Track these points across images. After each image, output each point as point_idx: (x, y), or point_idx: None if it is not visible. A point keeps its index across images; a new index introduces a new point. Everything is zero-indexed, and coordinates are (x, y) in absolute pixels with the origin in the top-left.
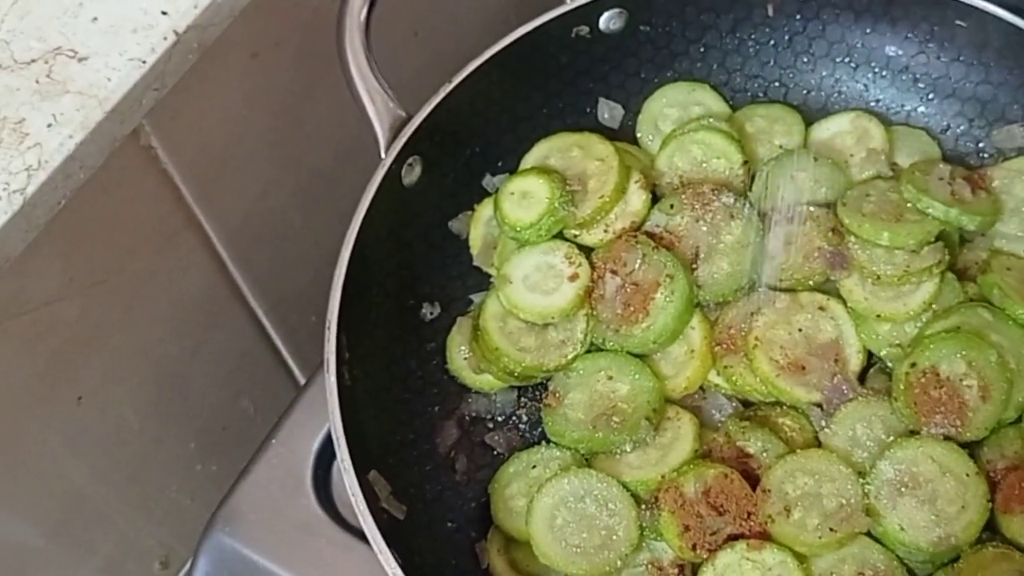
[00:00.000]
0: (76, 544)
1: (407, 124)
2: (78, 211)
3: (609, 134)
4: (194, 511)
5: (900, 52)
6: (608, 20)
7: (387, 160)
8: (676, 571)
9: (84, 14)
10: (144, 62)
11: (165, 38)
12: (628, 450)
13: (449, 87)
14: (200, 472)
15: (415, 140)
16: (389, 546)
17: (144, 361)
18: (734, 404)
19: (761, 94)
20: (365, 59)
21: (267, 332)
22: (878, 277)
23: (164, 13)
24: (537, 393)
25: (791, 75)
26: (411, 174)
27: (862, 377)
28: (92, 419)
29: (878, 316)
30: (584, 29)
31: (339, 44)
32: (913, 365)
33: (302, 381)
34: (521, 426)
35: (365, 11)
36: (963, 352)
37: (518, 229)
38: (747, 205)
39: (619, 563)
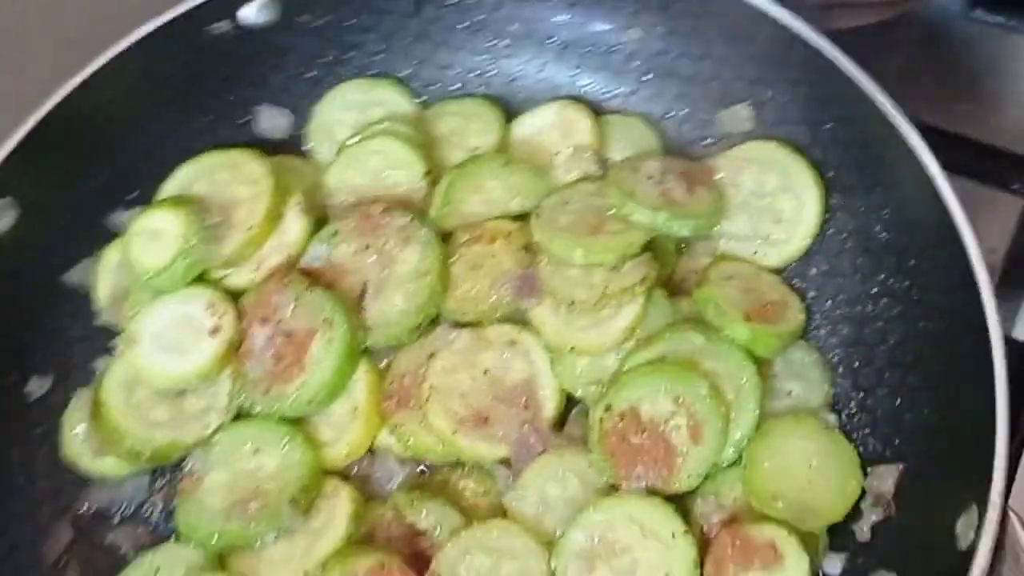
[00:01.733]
0: None
1: None
2: None
3: (273, 149)
4: None
5: (609, 27)
6: (253, 12)
7: None
8: None
9: None
10: None
11: None
12: (270, 541)
13: (45, 109)
14: None
15: (2, 179)
16: None
17: None
18: (408, 469)
19: (457, 86)
20: None
21: None
22: (572, 302)
23: None
24: (177, 473)
25: (490, 62)
26: (1, 222)
27: (564, 423)
28: None
29: (572, 349)
30: (223, 25)
31: None
32: (608, 408)
33: None
34: (154, 518)
35: None
36: (668, 387)
37: (148, 275)
38: (423, 225)
39: None
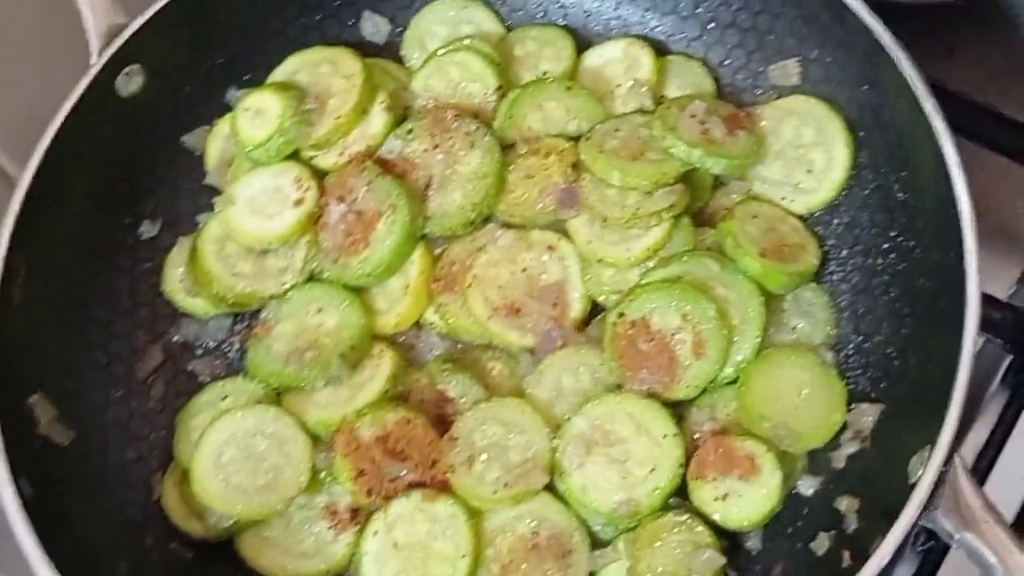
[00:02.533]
0: None
1: (124, 29)
2: None
3: (373, 51)
4: None
5: None
6: None
7: (94, 68)
8: (348, 516)
9: None
10: None
11: None
12: (320, 387)
13: None
14: None
15: (134, 47)
16: (14, 473)
17: None
18: (447, 344)
19: (540, 15)
20: None
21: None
22: (605, 219)
23: None
24: (254, 320)
25: None
26: (130, 84)
27: (587, 326)
28: None
29: (600, 260)
30: None
31: None
32: (621, 315)
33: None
34: (231, 354)
35: None
36: (678, 304)
37: (249, 147)
38: (488, 134)
39: (281, 506)
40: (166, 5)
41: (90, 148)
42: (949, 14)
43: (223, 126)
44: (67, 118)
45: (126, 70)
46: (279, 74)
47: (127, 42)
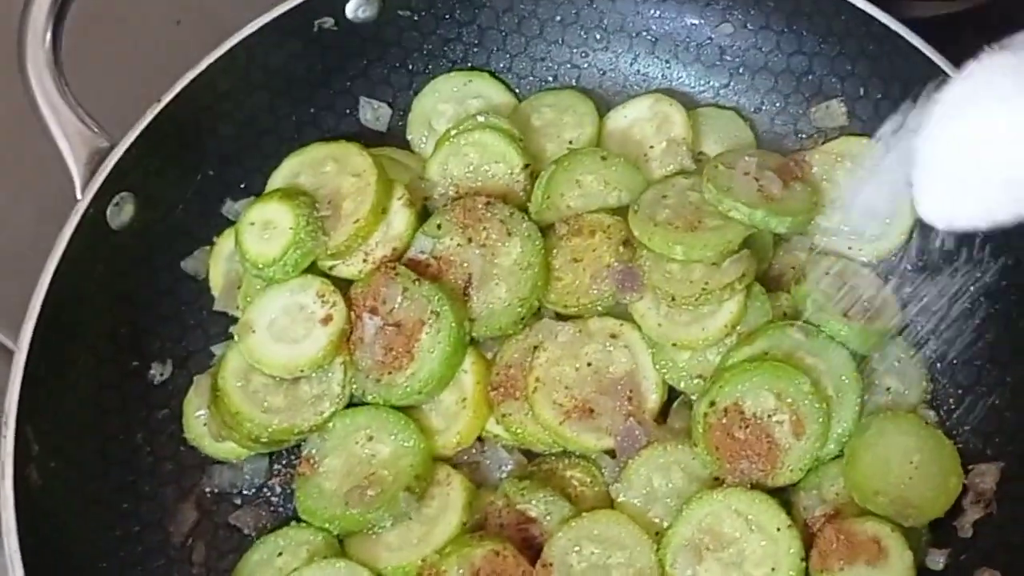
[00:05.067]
0: None
1: (109, 155)
2: None
3: (376, 139)
4: None
5: (702, 21)
6: (356, 7)
7: (82, 204)
8: None
9: None
10: None
11: None
12: (388, 527)
13: (160, 105)
14: None
15: (120, 175)
16: None
17: None
18: (516, 457)
19: (550, 79)
20: (53, 82)
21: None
22: (673, 298)
23: None
24: (293, 458)
25: (583, 55)
26: (121, 214)
27: (665, 414)
28: None
29: (674, 344)
30: (328, 21)
31: (21, 66)
32: (712, 404)
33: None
34: (273, 499)
35: (51, 26)
36: (770, 383)
37: (261, 266)
38: (526, 219)
39: None
40: (151, 123)
41: (86, 294)
42: None
43: (224, 244)
44: (59, 265)
45: (115, 200)
46: (278, 179)
47: (114, 169)
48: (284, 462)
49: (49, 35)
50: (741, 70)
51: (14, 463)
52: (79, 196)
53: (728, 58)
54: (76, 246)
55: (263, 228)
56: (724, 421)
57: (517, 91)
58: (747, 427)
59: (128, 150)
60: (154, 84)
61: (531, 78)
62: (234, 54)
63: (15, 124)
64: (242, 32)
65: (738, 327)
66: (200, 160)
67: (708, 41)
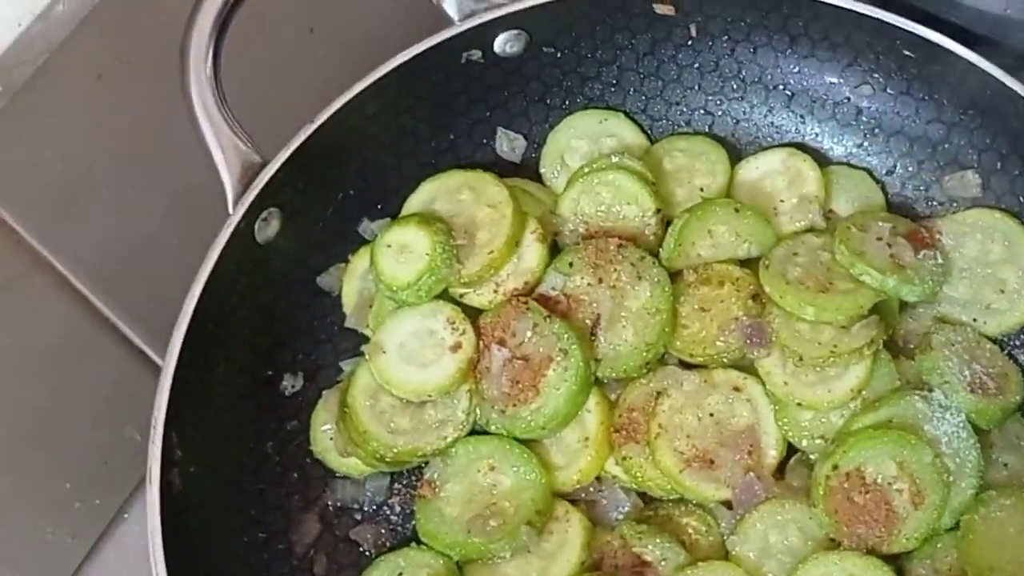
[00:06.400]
0: None
1: (261, 171)
2: None
3: (509, 169)
4: (75, 548)
5: (841, 81)
6: (504, 43)
7: (235, 217)
8: None
9: None
10: None
11: None
12: (507, 557)
13: (313, 126)
14: (80, 509)
15: (271, 191)
16: None
17: None
18: (633, 499)
19: (683, 124)
20: (213, 97)
21: (150, 358)
22: (801, 358)
23: None
24: (413, 479)
25: (718, 102)
26: (267, 229)
27: (781, 469)
28: None
29: (799, 403)
30: (476, 53)
31: (183, 81)
32: (835, 467)
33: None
34: (393, 518)
35: (213, 41)
36: (894, 452)
37: (395, 288)
38: (656, 264)
39: None
40: (304, 142)
41: (231, 305)
42: None
43: (359, 262)
44: (210, 276)
45: (264, 214)
46: (415, 203)
47: (267, 184)
48: (404, 482)
49: (211, 50)
50: (876, 131)
51: (161, 469)
52: (231, 210)
53: (864, 119)
54: (226, 258)
55: (399, 251)
56: (845, 485)
57: (650, 133)
58: (867, 493)
59: (281, 167)
60: (291, 95)
61: (664, 121)
62: (385, 81)
63: (169, 138)
64: (395, 60)
65: (863, 392)
66: (342, 179)
67: (846, 100)
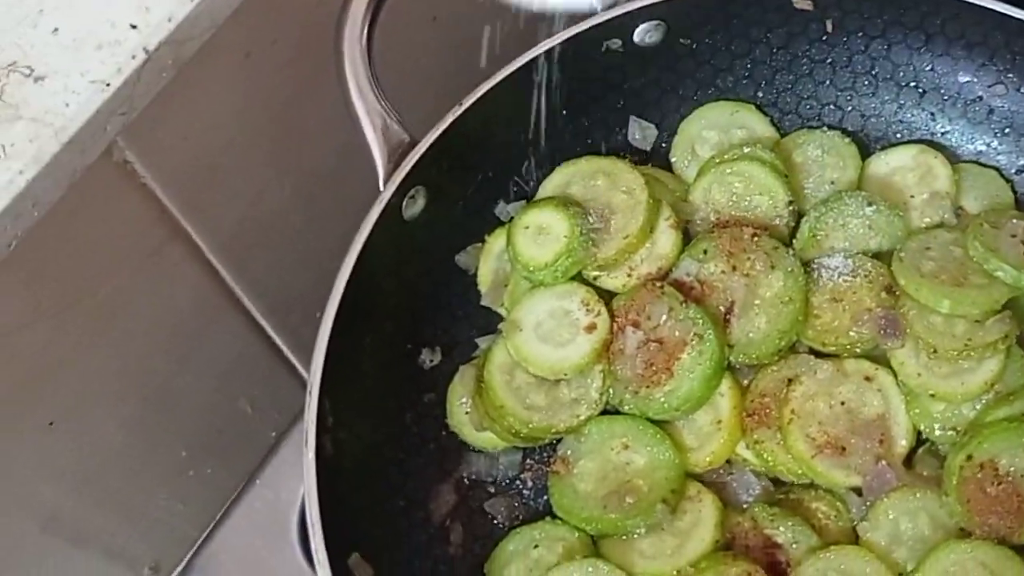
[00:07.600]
0: (55, 562)
1: (411, 151)
2: (43, 237)
3: (640, 157)
4: (187, 515)
5: (974, 80)
6: (644, 33)
7: (386, 194)
8: None
9: (44, 24)
10: (108, 85)
11: (134, 56)
12: (641, 533)
13: (461, 108)
14: (193, 477)
15: (419, 170)
16: None
17: (124, 378)
18: (763, 483)
19: (814, 118)
20: (366, 76)
21: (267, 333)
22: (935, 350)
23: (133, 27)
24: (545, 455)
25: (848, 98)
26: (413, 206)
27: (909, 458)
28: (65, 443)
29: (932, 394)
30: (617, 43)
31: (337, 59)
32: (969, 458)
33: (306, 376)
34: (525, 492)
35: (368, 22)
36: None
37: (532, 269)
38: (790, 254)
39: None
40: (451, 124)
41: (379, 279)
42: None
43: (495, 243)
44: (362, 250)
45: (411, 192)
46: (550, 187)
47: (416, 164)
48: (536, 458)
49: (366, 30)
50: (1007, 131)
51: (317, 432)
52: (382, 187)
53: (996, 118)
54: (376, 233)
55: (537, 232)
56: (979, 476)
57: (779, 126)
58: (1000, 484)
59: (429, 147)
60: (418, 79)
61: (794, 115)
62: (529, 67)
63: (303, 121)
64: (540, 47)
65: (996, 386)
66: (482, 161)
67: (978, 99)
